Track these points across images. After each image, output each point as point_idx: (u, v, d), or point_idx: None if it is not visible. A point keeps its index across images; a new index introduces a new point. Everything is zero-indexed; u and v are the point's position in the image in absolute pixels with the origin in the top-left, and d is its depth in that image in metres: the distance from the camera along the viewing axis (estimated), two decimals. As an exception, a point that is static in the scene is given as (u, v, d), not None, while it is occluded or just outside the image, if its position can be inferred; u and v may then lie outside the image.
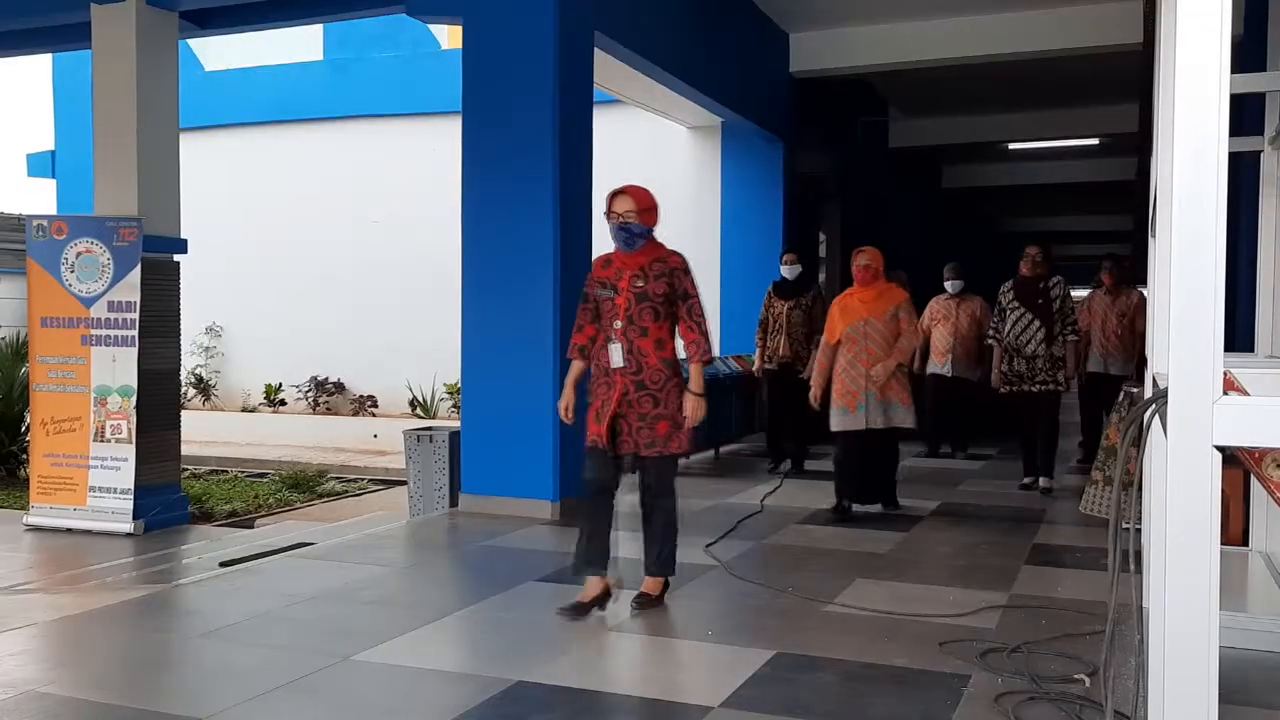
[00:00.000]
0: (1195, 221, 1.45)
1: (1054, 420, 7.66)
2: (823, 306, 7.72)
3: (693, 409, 4.35)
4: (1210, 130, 1.45)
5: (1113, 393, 8.89)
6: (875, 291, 6.40)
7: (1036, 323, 7.37)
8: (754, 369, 8.50)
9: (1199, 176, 1.45)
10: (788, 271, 8.25)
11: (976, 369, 8.86)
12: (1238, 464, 1.79)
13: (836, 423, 6.37)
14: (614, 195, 4.41)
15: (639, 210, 4.35)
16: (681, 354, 4.51)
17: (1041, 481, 7.59)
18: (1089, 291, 9.16)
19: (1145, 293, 8.81)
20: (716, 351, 8.32)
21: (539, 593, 4.84)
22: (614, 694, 3.54)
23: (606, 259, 4.53)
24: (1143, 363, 8.12)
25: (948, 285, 9.12)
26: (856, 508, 6.63)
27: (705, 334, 4.43)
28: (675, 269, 4.40)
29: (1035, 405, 7.53)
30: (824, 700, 3.45)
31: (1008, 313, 7.51)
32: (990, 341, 7.82)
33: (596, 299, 4.46)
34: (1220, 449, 1.46)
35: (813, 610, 4.50)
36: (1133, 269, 8.74)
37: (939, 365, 9.11)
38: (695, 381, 4.37)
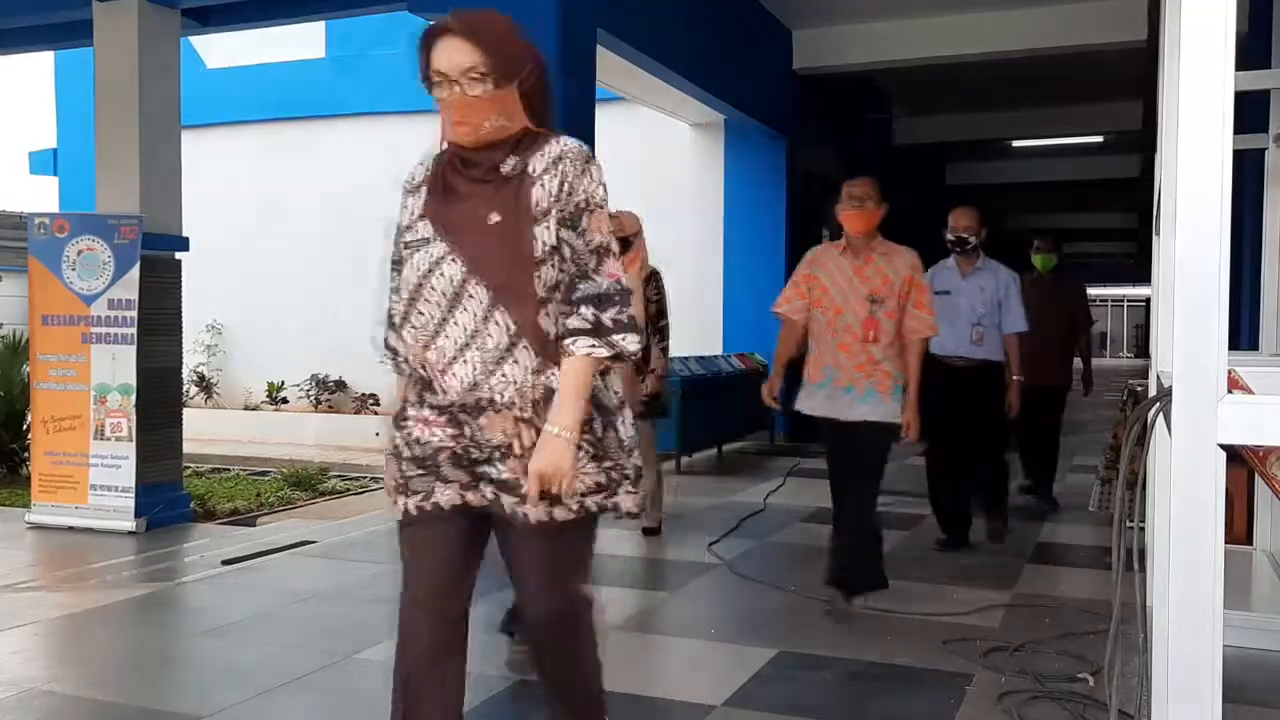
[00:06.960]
0: (1199, 219, 1.45)
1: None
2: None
3: None
4: (1214, 128, 1.44)
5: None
6: None
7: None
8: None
9: (1203, 174, 1.44)
10: None
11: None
12: (1242, 463, 1.78)
13: None
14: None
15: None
16: None
17: None
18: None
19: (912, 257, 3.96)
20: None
21: (541, 591, 4.83)
22: (616, 692, 3.52)
23: None
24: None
25: None
26: None
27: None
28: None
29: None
30: (826, 699, 3.45)
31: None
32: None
33: None
34: (1225, 447, 1.45)
35: (815, 609, 4.49)
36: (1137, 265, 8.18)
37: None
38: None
